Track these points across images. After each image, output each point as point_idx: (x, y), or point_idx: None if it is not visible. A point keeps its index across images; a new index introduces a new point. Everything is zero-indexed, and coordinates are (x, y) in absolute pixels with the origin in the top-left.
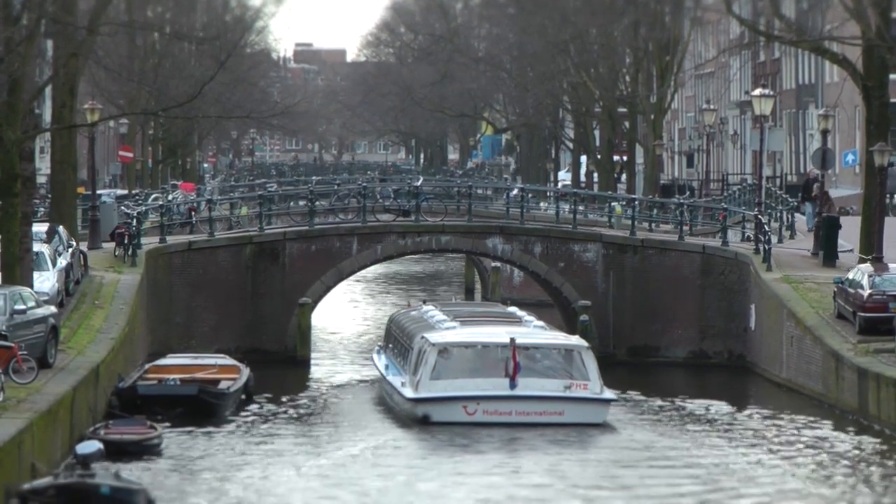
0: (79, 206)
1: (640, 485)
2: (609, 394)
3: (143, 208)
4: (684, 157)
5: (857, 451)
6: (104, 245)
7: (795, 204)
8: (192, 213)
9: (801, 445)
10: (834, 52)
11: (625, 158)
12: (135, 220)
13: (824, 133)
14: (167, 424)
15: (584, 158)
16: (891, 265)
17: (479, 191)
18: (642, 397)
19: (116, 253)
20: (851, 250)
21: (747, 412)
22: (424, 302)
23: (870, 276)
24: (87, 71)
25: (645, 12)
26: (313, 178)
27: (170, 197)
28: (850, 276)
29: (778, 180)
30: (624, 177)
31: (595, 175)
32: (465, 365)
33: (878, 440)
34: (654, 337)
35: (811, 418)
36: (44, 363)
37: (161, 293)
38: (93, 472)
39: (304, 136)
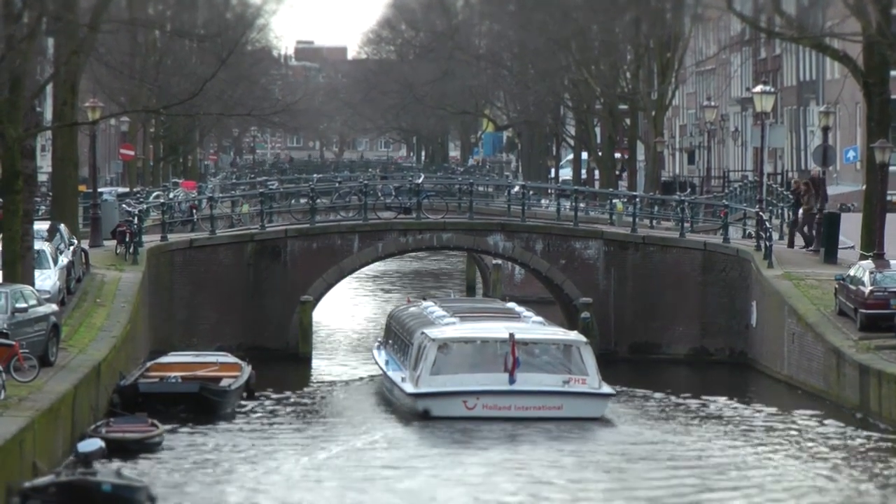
0: (80, 203)
1: (637, 478)
2: (607, 388)
3: (145, 206)
4: (685, 154)
5: (858, 448)
6: (105, 243)
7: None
8: (194, 210)
9: (801, 442)
10: (835, 48)
11: (626, 155)
12: (136, 218)
13: (825, 130)
14: (171, 426)
15: (584, 155)
16: (892, 262)
17: (481, 188)
18: (642, 393)
19: (118, 251)
20: (853, 247)
21: (747, 408)
22: (424, 298)
23: (871, 272)
24: (89, 68)
25: (646, 9)
26: (314, 175)
27: (171, 195)
28: (852, 272)
29: (779, 177)
30: (625, 174)
31: (596, 172)
32: (464, 360)
33: (880, 437)
34: (655, 334)
35: (812, 415)
36: (45, 361)
37: (162, 291)
38: (94, 470)
39: (306, 133)
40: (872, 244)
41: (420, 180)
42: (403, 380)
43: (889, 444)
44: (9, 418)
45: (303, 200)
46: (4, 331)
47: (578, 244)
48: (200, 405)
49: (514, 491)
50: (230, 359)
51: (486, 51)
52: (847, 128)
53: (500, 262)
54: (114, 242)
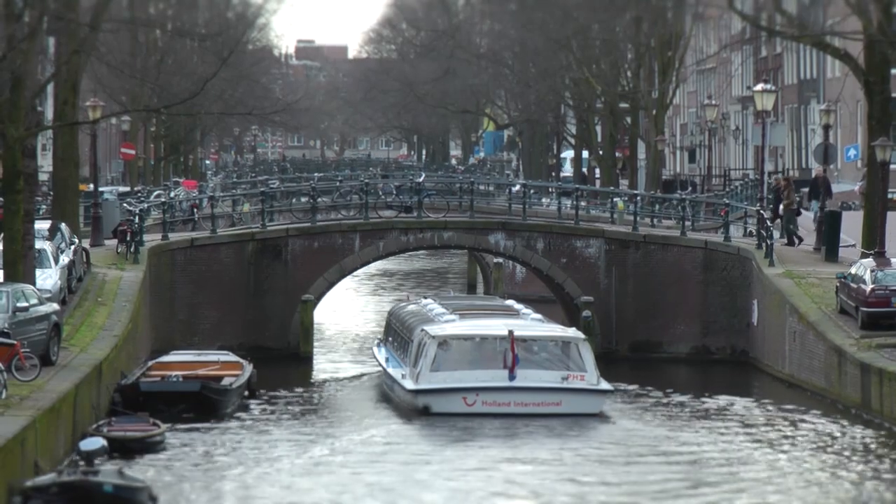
0: (81, 203)
1: (635, 473)
2: (605, 385)
3: (146, 205)
4: (686, 153)
5: (859, 446)
6: (106, 242)
7: (798, 199)
8: (195, 209)
9: (801, 439)
10: (836, 47)
11: (627, 154)
12: (137, 217)
13: (826, 128)
14: (172, 425)
15: (585, 154)
16: (893, 260)
17: (482, 187)
18: (642, 391)
19: (119, 250)
20: (854, 245)
21: (747, 406)
22: (424, 297)
23: (872, 271)
24: (90, 68)
25: (647, 8)
26: (315, 174)
27: (172, 194)
28: (853, 271)
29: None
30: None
31: (597, 171)
32: (464, 357)
33: (881, 435)
34: (656, 332)
35: (813, 413)
36: (46, 360)
37: (163, 290)
38: (96, 470)
39: (306, 132)
40: (874, 242)
41: (421, 179)
42: (403, 376)
43: (890, 441)
44: (10, 417)
45: (304, 199)
46: (6, 330)
47: (579, 243)
48: (201, 404)
49: (513, 486)
50: (231, 358)
51: (486, 50)
52: (848, 126)
53: (501, 260)
54: (115, 242)
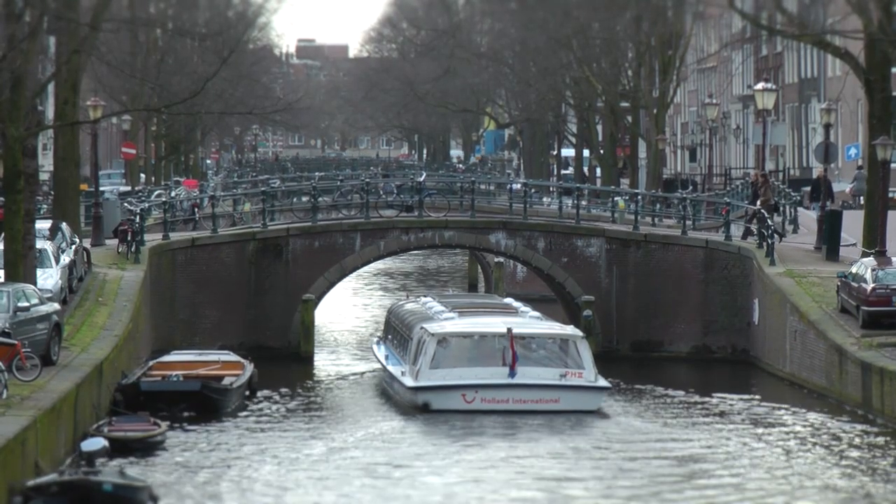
0: (82, 202)
1: (632, 469)
2: (603, 382)
3: (146, 205)
4: (687, 152)
5: (859, 445)
6: (107, 242)
7: (798, 198)
8: (195, 209)
9: (801, 438)
10: (836, 45)
11: (627, 153)
12: (138, 217)
13: (827, 127)
14: (173, 424)
15: (586, 153)
16: (894, 259)
17: (483, 186)
18: (642, 389)
19: (119, 250)
20: (855, 244)
21: (747, 404)
22: (423, 295)
23: (873, 270)
24: (90, 67)
25: (647, 7)
26: (316, 173)
27: (173, 193)
28: (854, 270)
29: (781, 174)
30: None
31: (598, 170)
32: (463, 354)
33: (882, 434)
34: (657, 332)
35: (814, 412)
36: (47, 360)
37: (164, 290)
38: (97, 469)
39: (307, 131)
40: (874, 241)
41: (422, 178)
42: (403, 374)
43: (891, 440)
44: (11, 417)
45: (304, 199)
46: (7, 330)
47: (580, 242)
48: (202, 404)
49: (512, 482)
50: (232, 357)
51: (487, 49)
52: (848, 125)
53: (502, 260)
54: (115, 241)
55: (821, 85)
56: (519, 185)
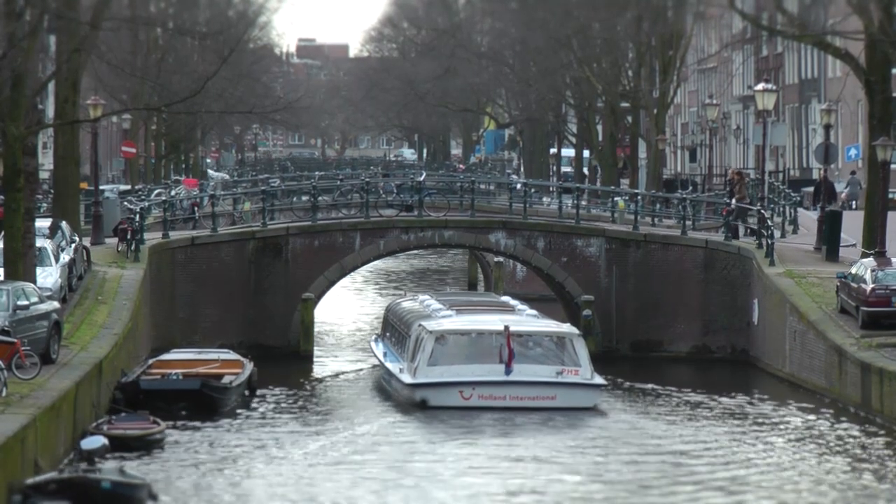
0: (82, 201)
1: (627, 465)
2: (599, 379)
3: (146, 204)
4: (687, 152)
5: (859, 445)
6: (107, 240)
7: (798, 199)
8: (195, 208)
9: (800, 437)
10: (836, 46)
11: (628, 153)
12: (138, 216)
13: (827, 128)
14: (173, 422)
15: (586, 154)
16: (894, 260)
17: (482, 186)
18: (639, 387)
19: (119, 248)
20: (854, 245)
21: (746, 404)
22: (421, 293)
23: (873, 270)
24: (90, 66)
25: (648, 7)
26: (316, 173)
27: (173, 192)
28: (853, 270)
29: (781, 175)
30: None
31: (598, 169)
32: (461, 351)
33: (881, 434)
34: (657, 332)
35: (813, 412)
36: (47, 359)
37: (164, 289)
38: (97, 468)
39: (307, 131)
40: (874, 242)
41: (422, 178)
42: (401, 371)
43: (891, 440)
44: (10, 416)
45: (304, 198)
46: (6, 328)
47: (580, 242)
48: (202, 402)
49: (509, 479)
50: (232, 356)
51: (487, 48)
52: (849, 126)
53: (501, 259)
54: (115, 240)
55: (821, 86)
56: (519, 186)
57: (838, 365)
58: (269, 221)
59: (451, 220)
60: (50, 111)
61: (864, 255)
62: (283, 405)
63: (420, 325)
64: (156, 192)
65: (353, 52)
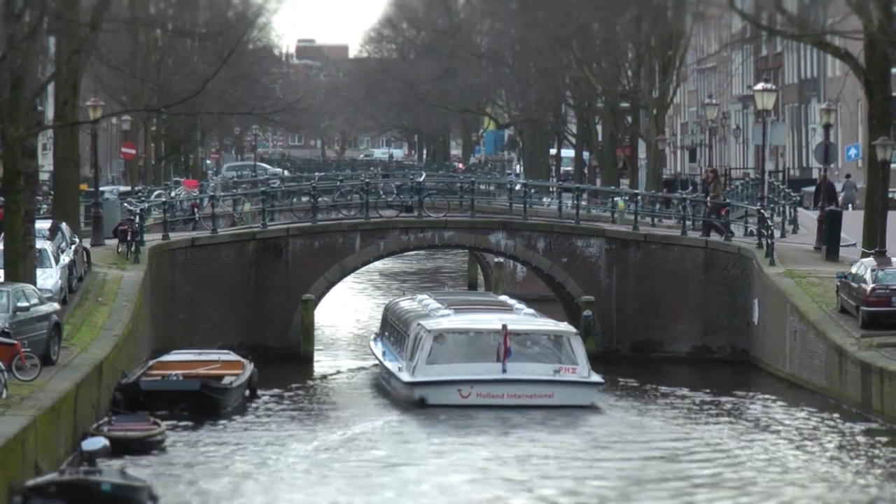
0: (81, 202)
1: (623, 463)
2: (596, 377)
3: (146, 205)
4: (687, 152)
5: (859, 446)
6: (107, 242)
7: (798, 199)
8: (195, 209)
9: (800, 437)
10: (836, 46)
11: (627, 153)
12: (138, 217)
13: (826, 127)
14: (173, 424)
15: (586, 154)
16: (894, 259)
17: (482, 186)
18: (638, 387)
19: (119, 250)
20: (854, 244)
21: (745, 404)
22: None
23: (873, 270)
24: (90, 67)
25: (647, 7)
26: (316, 174)
27: (173, 193)
28: (854, 270)
29: (780, 175)
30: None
31: (598, 170)
32: (459, 350)
33: (882, 434)
34: (657, 332)
35: (813, 412)
36: (47, 360)
37: (164, 290)
38: (97, 469)
39: (307, 132)
40: (874, 241)
41: (422, 179)
42: (400, 369)
43: (891, 440)
44: (11, 417)
45: (304, 199)
46: (6, 330)
47: (580, 242)
48: (202, 403)
49: (507, 476)
50: (232, 357)
51: (487, 49)
52: (848, 125)
53: (501, 260)
54: (115, 241)
55: (821, 85)
56: (519, 187)
57: (839, 365)
58: (270, 222)
59: (451, 220)
60: (50, 113)
61: (865, 255)
62: (283, 406)
63: (419, 325)
64: (156, 193)
65: (352, 53)
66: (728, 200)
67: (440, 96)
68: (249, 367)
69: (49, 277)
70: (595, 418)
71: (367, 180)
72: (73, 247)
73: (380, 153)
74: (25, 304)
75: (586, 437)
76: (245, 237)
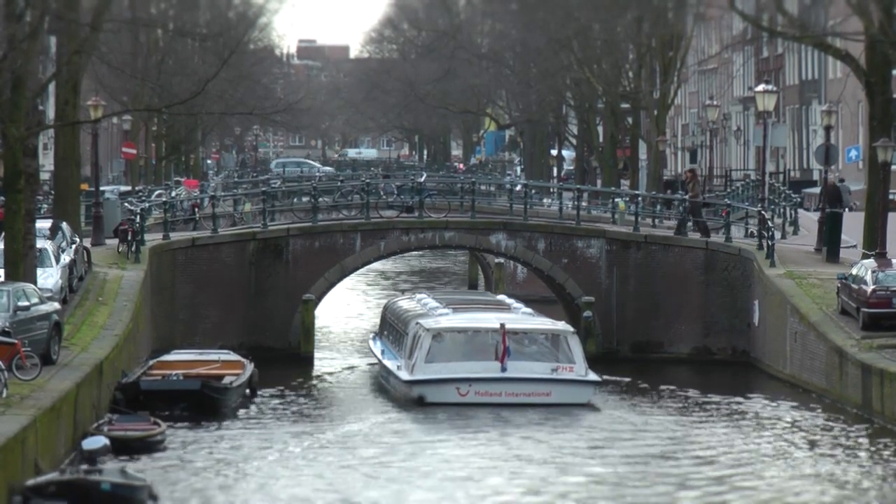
0: (82, 202)
1: (620, 460)
2: (593, 376)
3: (147, 205)
4: (687, 153)
5: (859, 447)
6: (107, 241)
7: (799, 200)
8: (196, 209)
9: (800, 438)
10: (837, 47)
11: (628, 154)
12: (138, 217)
13: (827, 129)
14: (173, 423)
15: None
16: (894, 261)
17: (483, 187)
18: (636, 386)
19: (120, 249)
20: (855, 246)
21: (744, 403)
22: (419, 292)
23: (873, 271)
24: (91, 67)
25: (648, 8)
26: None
27: (173, 193)
28: (854, 271)
29: (781, 176)
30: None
31: (598, 170)
32: (457, 349)
33: (882, 435)
34: (657, 333)
35: (814, 413)
36: (47, 360)
37: (164, 289)
38: (98, 468)
39: (308, 132)
40: (875, 243)
41: (422, 179)
42: (399, 368)
43: (891, 442)
44: (11, 417)
45: (305, 199)
46: (7, 329)
47: (581, 243)
48: (202, 403)
49: (505, 473)
50: (232, 357)
51: (488, 50)
52: (849, 127)
53: (502, 260)
54: (116, 241)
55: (821, 87)
56: (519, 187)
57: (839, 366)
58: (270, 222)
59: (452, 221)
60: (50, 112)
61: (865, 257)
62: (283, 406)
63: (417, 323)
64: (156, 193)
65: (353, 54)
66: (728, 201)
67: (441, 97)
68: (249, 367)
69: (49, 277)
70: (592, 416)
71: (368, 181)
72: (74, 246)
73: (353, 153)
74: (26, 303)
75: (583, 436)
76: (245, 237)
